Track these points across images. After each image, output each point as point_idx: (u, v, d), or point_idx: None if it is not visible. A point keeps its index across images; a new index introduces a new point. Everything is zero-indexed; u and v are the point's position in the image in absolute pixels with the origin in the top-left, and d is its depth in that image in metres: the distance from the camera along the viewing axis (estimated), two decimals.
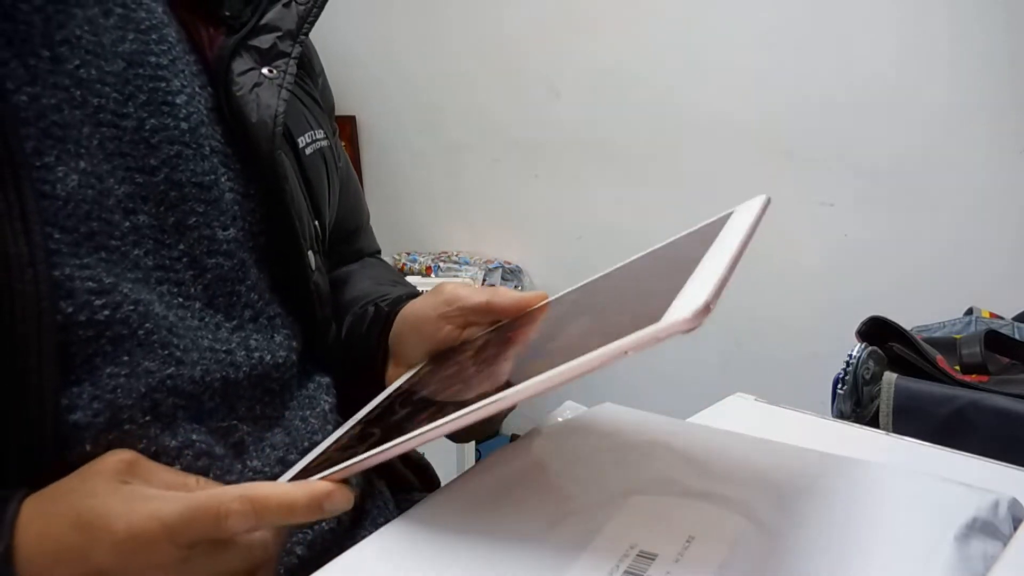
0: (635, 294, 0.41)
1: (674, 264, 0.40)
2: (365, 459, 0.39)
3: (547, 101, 1.82)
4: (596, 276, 0.51)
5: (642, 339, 0.31)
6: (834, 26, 1.47)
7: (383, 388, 0.56)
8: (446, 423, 0.37)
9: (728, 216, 0.44)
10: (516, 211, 1.95)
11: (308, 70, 0.63)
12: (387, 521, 0.42)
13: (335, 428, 0.53)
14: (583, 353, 0.33)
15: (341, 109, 2.02)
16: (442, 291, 0.54)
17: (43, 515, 0.38)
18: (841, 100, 1.49)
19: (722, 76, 1.60)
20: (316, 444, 0.50)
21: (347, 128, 2.05)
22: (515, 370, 0.40)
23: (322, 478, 0.39)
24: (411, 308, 0.56)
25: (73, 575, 0.36)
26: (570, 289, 0.52)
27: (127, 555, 0.36)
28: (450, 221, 2.06)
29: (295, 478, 0.43)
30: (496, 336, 0.50)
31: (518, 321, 0.51)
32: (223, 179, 0.49)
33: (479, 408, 0.36)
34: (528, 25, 1.81)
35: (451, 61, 1.93)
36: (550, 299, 0.52)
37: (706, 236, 0.42)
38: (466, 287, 0.54)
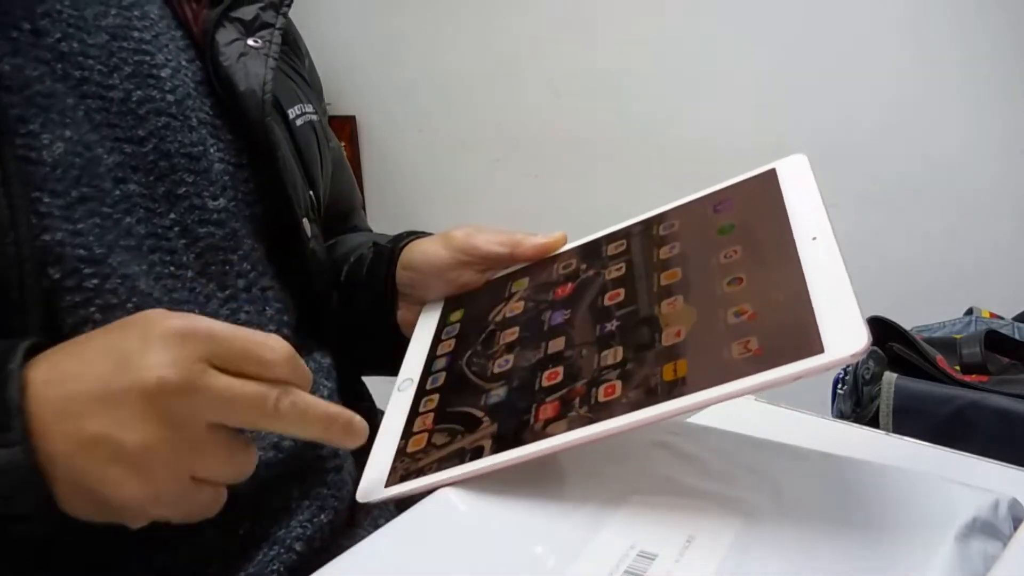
0: (718, 271, 0.43)
1: (750, 239, 0.43)
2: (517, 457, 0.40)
3: (547, 101, 1.82)
4: (630, 222, 0.52)
5: (812, 370, 0.34)
6: (834, 26, 1.47)
7: (393, 329, 0.57)
8: (619, 424, 0.38)
9: (773, 176, 0.46)
10: (516, 211, 1.94)
11: (294, 48, 0.63)
12: (387, 520, 0.42)
13: None
14: (738, 372, 0.36)
15: (341, 109, 2.02)
16: (455, 238, 0.55)
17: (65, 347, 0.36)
18: (841, 100, 1.49)
19: (722, 76, 1.60)
20: None
21: (347, 128, 2.05)
22: (613, 335, 0.43)
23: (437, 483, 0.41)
24: (422, 252, 0.56)
25: (102, 370, 0.34)
26: (597, 236, 0.53)
27: (154, 342, 0.34)
28: (450, 221, 2.04)
29: (396, 460, 0.44)
30: (537, 288, 0.51)
31: (547, 265, 0.53)
32: (212, 149, 0.50)
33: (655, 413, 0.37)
34: (528, 25, 1.80)
35: (451, 61, 1.93)
36: (573, 244, 0.54)
37: (767, 201, 0.45)
38: (481, 231, 0.54)
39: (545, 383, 0.43)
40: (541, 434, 0.40)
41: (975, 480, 0.41)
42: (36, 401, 0.34)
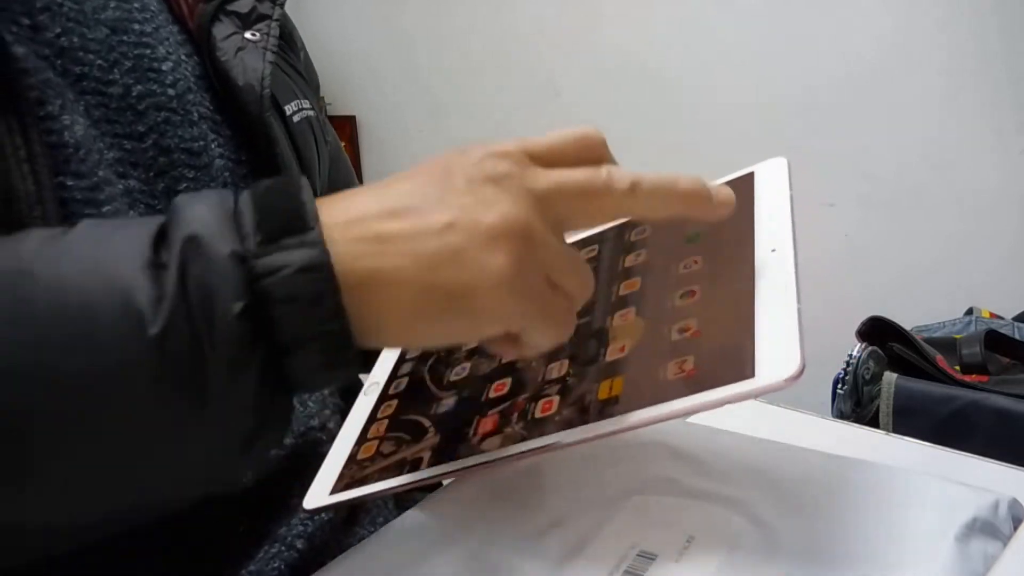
0: (675, 282, 0.42)
1: (713, 248, 0.42)
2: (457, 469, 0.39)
3: (548, 99, 1.82)
4: (606, 226, 0.50)
5: (740, 395, 0.33)
6: (835, 26, 1.47)
7: None
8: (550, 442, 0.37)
9: (750, 180, 0.45)
10: None
11: (289, 43, 0.63)
12: (386, 520, 0.42)
13: (333, 413, 0.53)
14: (669, 394, 0.35)
15: (341, 109, 2.03)
16: None
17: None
18: (842, 100, 1.49)
19: (723, 76, 1.60)
20: (312, 430, 0.50)
21: (347, 128, 2.05)
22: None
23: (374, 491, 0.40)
24: None
25: (428, 178, 0.33)
26: (572, 241, 0.51)
27: (473, 151, 0.33)
28: None
29: (345, 467, 0.43)
30: None
31: None
32: (213, 145, 0.49)
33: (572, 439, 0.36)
34: (529, 23, 1.81)
35: (451, 60, 1.93)
36: None
37: (738, 208, 0.42)
38: None
39: (492, 395, 0.42)
40: (476, 448, 0.39)
41: (975, 480, 0.41)
42: (352, 207, 0.32)
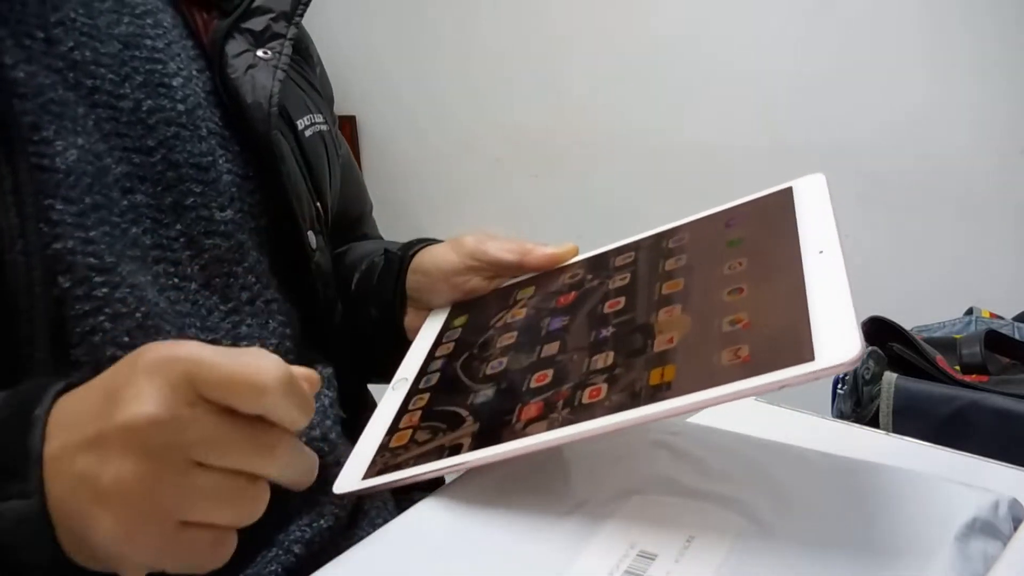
0: (721, 282, 0.42)
1: (757, 252, 0.43)
2: (484, 457, 0.40)
3: (547, 101, 1.82)
4: (642, 235, 0.52)
5: (800, 378, 0.33)
6: (835, 27, 1.47)
7: (400, 335, 0.57)
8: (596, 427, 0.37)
9: (788, 193, 0.47)
10: (516, 211, 1.94)
11: (305, 57, 0.63)
12: (385, 521, 0.42)
13: (335, 423, 0.53)
14: (724, 378, 0.35)
15: (341, 109, 2.02)
16: (465, 243, 0.55)
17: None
18: (842, 100, 1.49)
19: (723, 75, 1.60)
20: (314, 440, 0.50)
21: (347, 128, 2.05)
22: (613, 342, 0.42)
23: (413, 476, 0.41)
24: (432, 257, 0.57)
25: (95, 410, 0.33)
26: (607, 248, 0.53)
27: (139, 375, 0.32)
28: (450, 221, 2.06)
29: (377, 454, 0.44)
30: (542, 297, 0.51)
31: (555, 275, 0.53)
32: (220, 160, 0.50)
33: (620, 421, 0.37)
34: (528, 25, 1.81)
35: (451, 61, 1.93)
36: (583, 256, 0.54)
37: (779, 217, 0.45)
38: (491, 239, 0.55)
39: (533, 385, 0.43)
40: (520, 433, 0.40)
41: (975, 480, 0.41)
42: (46, 447, 0.33)
